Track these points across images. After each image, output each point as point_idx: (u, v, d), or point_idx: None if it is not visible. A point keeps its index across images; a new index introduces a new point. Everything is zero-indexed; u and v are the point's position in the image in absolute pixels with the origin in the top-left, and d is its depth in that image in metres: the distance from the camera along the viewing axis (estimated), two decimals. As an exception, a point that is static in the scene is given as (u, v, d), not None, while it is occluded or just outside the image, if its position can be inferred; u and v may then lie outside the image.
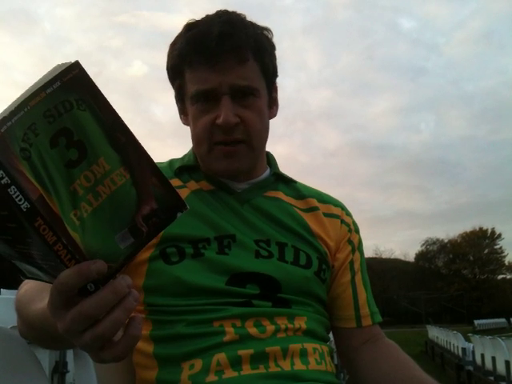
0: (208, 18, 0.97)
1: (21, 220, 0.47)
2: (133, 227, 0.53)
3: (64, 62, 0.51)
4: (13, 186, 0.46)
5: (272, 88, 1.04)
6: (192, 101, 0.98)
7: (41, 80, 0.50)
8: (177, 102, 1.05)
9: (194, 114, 0.98)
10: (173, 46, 0.99)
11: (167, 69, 1.02)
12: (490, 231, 58.05)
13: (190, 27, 0.96)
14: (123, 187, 0.52)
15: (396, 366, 1.00)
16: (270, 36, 1.02)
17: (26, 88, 0.50)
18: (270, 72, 1.00)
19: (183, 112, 1.04)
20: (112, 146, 0.52)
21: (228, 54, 0.92)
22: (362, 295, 1.08)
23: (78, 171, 0.50)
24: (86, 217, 0.51)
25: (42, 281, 0.57)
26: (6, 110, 0.48)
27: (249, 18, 1.00)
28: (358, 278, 1.09)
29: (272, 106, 1.06)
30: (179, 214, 0.55)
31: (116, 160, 0.52)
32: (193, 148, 1.06)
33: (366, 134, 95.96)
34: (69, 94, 0.50)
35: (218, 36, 0.91)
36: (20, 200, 0.46)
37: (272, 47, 1.02)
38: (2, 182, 0.46)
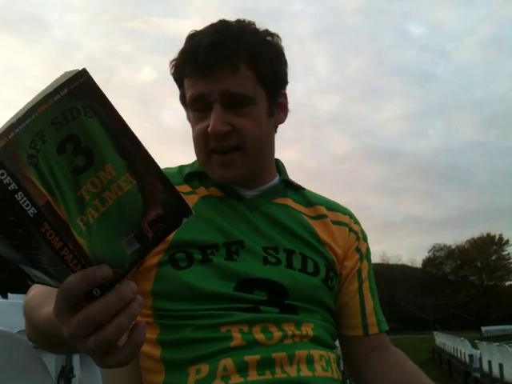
0: (204, 29, 0.98)
1: (28, 225, 0.47)
2: (139, 233, 0.53)
3: (74, 67, 0.51)
4: (20, 192, 0.46)
5: (275, 95, 1.02)
6: (190, 108, 1.00)
7: (48, 87, 0.50)
8: (185, 110, 1.06)
9: (192, 122, 1.01)
10: (175, 56, 1.01)
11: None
12: (497, 237, 57.72)
13: (188, 39, 0.98)
14: (129, 193, 0.53)
15: (403, 374, 1.00)
16: (274, 43, 1.01)
17: (38, 93, 0.51)
18: (269, 79, 0.98)
19: (189, 119, 1.05)
20: (118, 152, 0.52)
21: (217, 63, 0.93)
22: (370, 303, 1.08)
23: (85, 177, 0.50)
24: (93, 222, 0.51)
25: (49, 285, 0.58)
26: (13, 117, 0.48)
27: (258, 24, 1.00)
28: (366, 286, 1.09)
29: (274, 112, 1.03)
30: (185, 220, 0.55)
31: (122, 166, 0.52)
32: None
33: (374, 139, 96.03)
34: (76, 101, 0.50)
35: (206, 47, 0.92)
36: (27, 206, 0.46)
37: (274, 54, 1.00)
38: (10, 188, 0.46)
